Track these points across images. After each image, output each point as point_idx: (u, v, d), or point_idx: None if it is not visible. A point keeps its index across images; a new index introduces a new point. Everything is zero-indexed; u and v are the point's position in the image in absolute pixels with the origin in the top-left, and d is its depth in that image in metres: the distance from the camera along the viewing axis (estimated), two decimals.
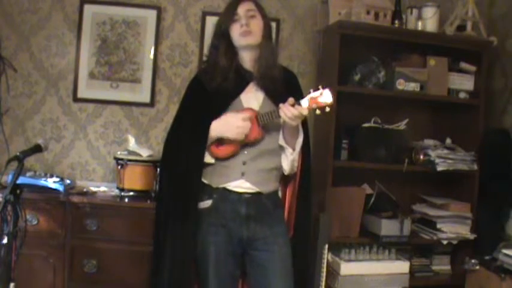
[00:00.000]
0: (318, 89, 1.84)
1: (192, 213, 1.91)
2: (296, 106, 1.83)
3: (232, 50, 1.98)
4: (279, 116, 1.88)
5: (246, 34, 1.93)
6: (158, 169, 2.62)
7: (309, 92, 1.85)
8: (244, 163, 1.94)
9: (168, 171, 2.00)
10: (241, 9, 1.94)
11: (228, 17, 1.96)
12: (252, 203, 1.94)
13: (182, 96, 2.11)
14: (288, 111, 1.83)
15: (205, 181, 1.96)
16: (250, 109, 1.94)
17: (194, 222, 1.91)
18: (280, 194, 2.09)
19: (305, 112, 1.84)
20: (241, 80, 1.98)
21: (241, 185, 1.94)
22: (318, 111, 1.85)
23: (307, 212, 2.09)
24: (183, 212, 1.91)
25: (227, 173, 1.95)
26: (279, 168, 2.02)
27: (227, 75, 1.94)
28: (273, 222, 1.98)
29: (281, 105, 1.86)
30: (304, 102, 1.84)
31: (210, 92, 1.95)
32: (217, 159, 1.95)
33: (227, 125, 1.90)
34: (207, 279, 1.91)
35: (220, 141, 1.93)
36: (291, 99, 1.86)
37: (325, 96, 1.83)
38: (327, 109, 1.85)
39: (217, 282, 1.91)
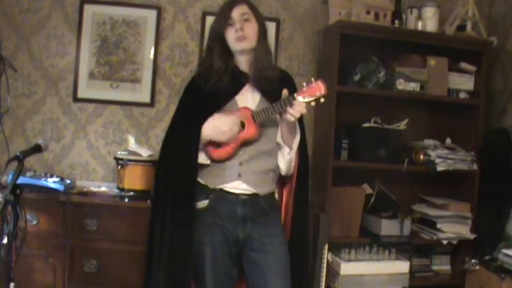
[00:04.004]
0: (311, 82, 1.86)
1: (188, 215, 1.91)
2: (296, 101, 1.84)
3: (227, 53, 1.97)
4: (276, 112, 1.89)
5: (241, 39, 1.93)
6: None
7: (303, 86, 1.87)
8: (240, 164, 1.94)
9: (164, 172, 2.00)
10: (236, 13, 1.93)
11: (222, 20, 1.95)
12: (249, 204, 1.94)
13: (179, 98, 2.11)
14: (295, 111, 1.84)
15: (201, 182, 1.97)
16: (246, 108, 1.95)
17: (191, 223, 1.91)
18: (276, 195, 2.09)
19: (304, 105, 1.85)
20: (237, 81, 1.98)
21: (237, 186, 1.94)
22: (312, 103, 1.87)
23: (305, 213, 2.09)
24: (179, 214, 1.91)
25: (224, 174, 1.95)
26: (276, 169, 2.02)
27: (222, 78, 1.94)
28: (269, 223, 1.98)
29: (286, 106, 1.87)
30: (299, 96, 1.86)
31: (206, 94, 1.95)
32: (213, 160, 1.96)
33: (215, 129, 1.90)
34: (203, 279, 1.91)
35: (217, 142, 1.93)
36: (285, 91, 1.87)
37: (319, 88, 1.85)
38: (322, 100, 1.87)
39: (214, 282, 1.91)
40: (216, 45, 1.96)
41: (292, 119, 1.87)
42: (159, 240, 1.93)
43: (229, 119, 1.90)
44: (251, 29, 1.94)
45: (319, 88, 1.85)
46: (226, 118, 1.91)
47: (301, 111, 1.86)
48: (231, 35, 1.94)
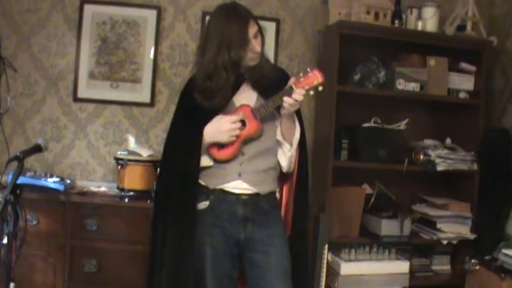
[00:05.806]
0: (307, 71, 1.87)
1: (190, 217, 1.92)
2: (293, 91, 1.85)
3: (232, 63, 1.92)
4: (275, 105, 1.90)
5: (255, 59, 1.95)
6: (158, 170, 2.62)
7: (299, 76, 1.88)
8: (241, 164, 1.94)
9: (165, 175, 2.01)
10: (251, 33, 1.91)
11: (239, 39, 1.88)
12: (250, 204, 1.95)
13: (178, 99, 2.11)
14: (292, 98, 1.84)
15: (202, 182, 1.97)
16: (245, 105, 1.96)
17: (192, 225, 1.91)
18: (277, 194, 2.09)
19: (303, 92, 1.85)
20: (235, 82, 1.97)
21: (238, 186, 1.94)
22: (311, 92, 1.88)
23: (305, 211, 2.10)
24: (181, 216, 1.92)
25: (224, 174, 1.95)
26: (276, 167, 2.03)
27: (226, 88, 1.93)
28: (270, 223, 1.98)
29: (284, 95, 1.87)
30: (297, 86, 1.86)
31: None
32: (216, 161, 1.96)
33: (217, 130, 1.90)
34: (204, 280, 1.91)
35: (220, 144, 1.93)
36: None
37: (315, 76, 1.86)
38: (320, 88, 1.87)
39: (215, 283, 1.90)
40: (223, 53, 1.88)
41: (291, 109, 1.88)
42: (161, 241, 1.93)
43: (229, 118, 1.91)
44: (260, 45, 1.95)
45: (315, 77, 1.86)
46: (226, 117, 1.92)
47: (298, 99, 1.86)
48: (244, 54, 1.91)
